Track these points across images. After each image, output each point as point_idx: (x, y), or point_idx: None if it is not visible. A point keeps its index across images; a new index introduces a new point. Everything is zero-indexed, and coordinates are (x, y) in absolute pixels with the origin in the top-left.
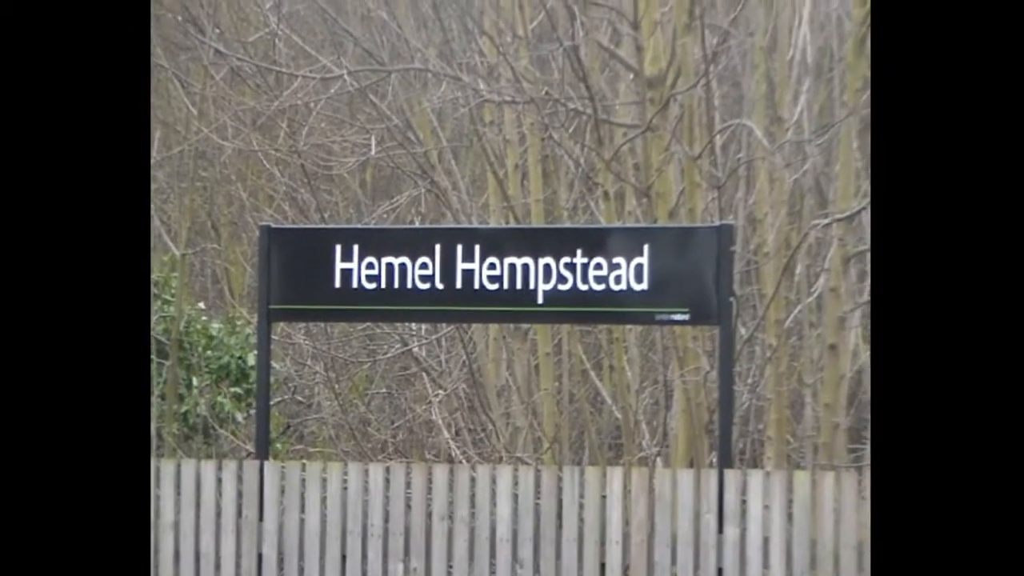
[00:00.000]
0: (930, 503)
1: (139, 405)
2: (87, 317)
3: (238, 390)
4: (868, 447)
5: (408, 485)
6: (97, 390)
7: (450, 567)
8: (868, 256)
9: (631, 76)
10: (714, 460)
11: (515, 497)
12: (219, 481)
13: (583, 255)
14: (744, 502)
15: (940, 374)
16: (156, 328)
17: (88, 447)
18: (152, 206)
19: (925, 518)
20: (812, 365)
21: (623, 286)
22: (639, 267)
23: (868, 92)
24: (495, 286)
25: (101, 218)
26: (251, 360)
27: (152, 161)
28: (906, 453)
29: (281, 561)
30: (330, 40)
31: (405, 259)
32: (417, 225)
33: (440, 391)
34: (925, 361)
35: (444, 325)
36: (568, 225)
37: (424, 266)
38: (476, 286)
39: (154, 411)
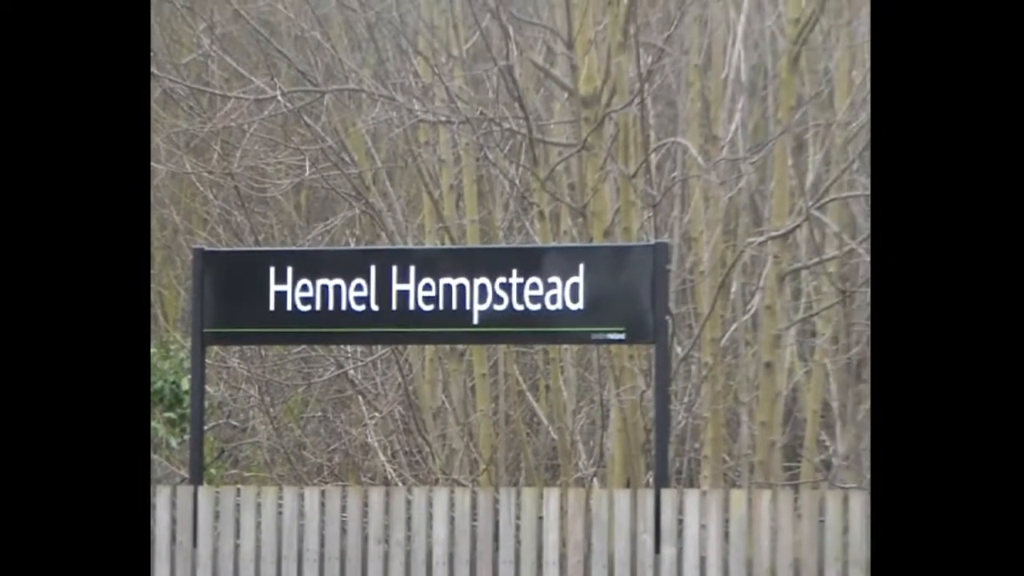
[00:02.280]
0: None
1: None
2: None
3: (172, 415)
4: (803, 465)
5: (344, 508)
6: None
7: None
8: (802, 273)
9: (566, 95)
10: (651, 480)
11: (451, 519)
12: (153, 507)
13: (518, 275)
14: (681, 522)
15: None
16: None
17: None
18: None
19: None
20: (748, 383)
21: (559, 305)
22: (575, 286)
23: (802, 110)
24: (430, 307)
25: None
26: (185, 385)
27: None
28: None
29: None
30: (264, 61)
31: (340, 281)
32: (352, 247)
33: (376, 413)
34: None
35: (379, 347)
36: (503, 245)
37: (359, 288)
38: (411, 307)
39: None
